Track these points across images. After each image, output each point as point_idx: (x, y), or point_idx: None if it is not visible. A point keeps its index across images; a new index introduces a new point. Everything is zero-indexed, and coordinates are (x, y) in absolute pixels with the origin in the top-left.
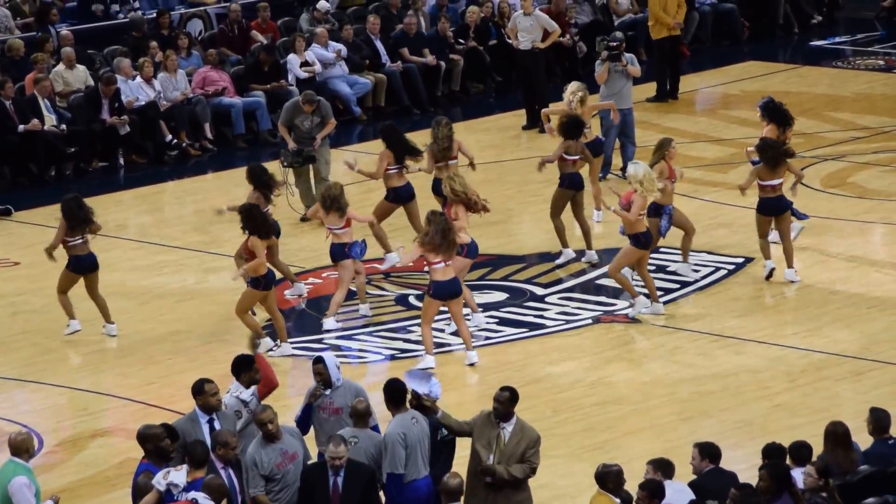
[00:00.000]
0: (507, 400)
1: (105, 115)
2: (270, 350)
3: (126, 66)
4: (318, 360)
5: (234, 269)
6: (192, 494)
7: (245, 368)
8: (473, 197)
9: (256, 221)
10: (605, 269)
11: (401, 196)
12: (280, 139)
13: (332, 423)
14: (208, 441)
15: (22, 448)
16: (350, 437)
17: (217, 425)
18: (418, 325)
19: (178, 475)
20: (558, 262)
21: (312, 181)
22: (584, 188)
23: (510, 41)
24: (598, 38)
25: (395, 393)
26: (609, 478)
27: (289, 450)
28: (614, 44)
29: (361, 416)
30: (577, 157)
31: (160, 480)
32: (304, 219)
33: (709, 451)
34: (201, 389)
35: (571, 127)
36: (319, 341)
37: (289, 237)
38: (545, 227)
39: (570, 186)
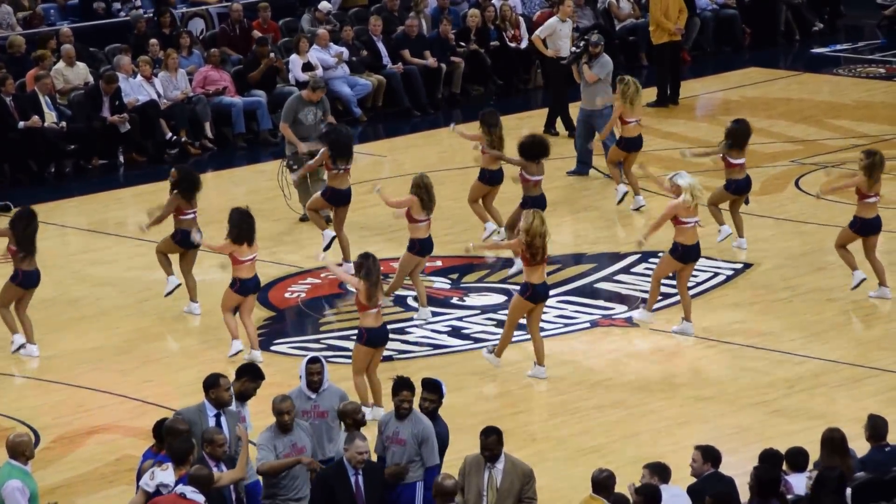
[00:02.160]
0: (494, 443)
1: (105, 113)
2: (241, 352)
3: (126, 64)
4: (316, 360)
5: (228, 268)
6: (179, 488)
7: (244, 376)
8: (539, 244)
9: (234, 223)
10: (601, 274)
11: (339, 198)
12: (280, 138)
13: (317, 426)
14: None
15: (18, 451)
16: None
17: (223, 420)
18: (415, 325)
19: (165, 475)
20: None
21: (309, 181)
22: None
23: (537, 48)
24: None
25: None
26: (610, 482)
27: (298, 443)
28: (580, 44)
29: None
30: (539, 178)
31: (147, 482)
32: (303, 219)
33: (711, 455)
34: (216, 383)
35: (532, 148)
36: (317, 341)
37: (287, 238)
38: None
39: (524, 206)
